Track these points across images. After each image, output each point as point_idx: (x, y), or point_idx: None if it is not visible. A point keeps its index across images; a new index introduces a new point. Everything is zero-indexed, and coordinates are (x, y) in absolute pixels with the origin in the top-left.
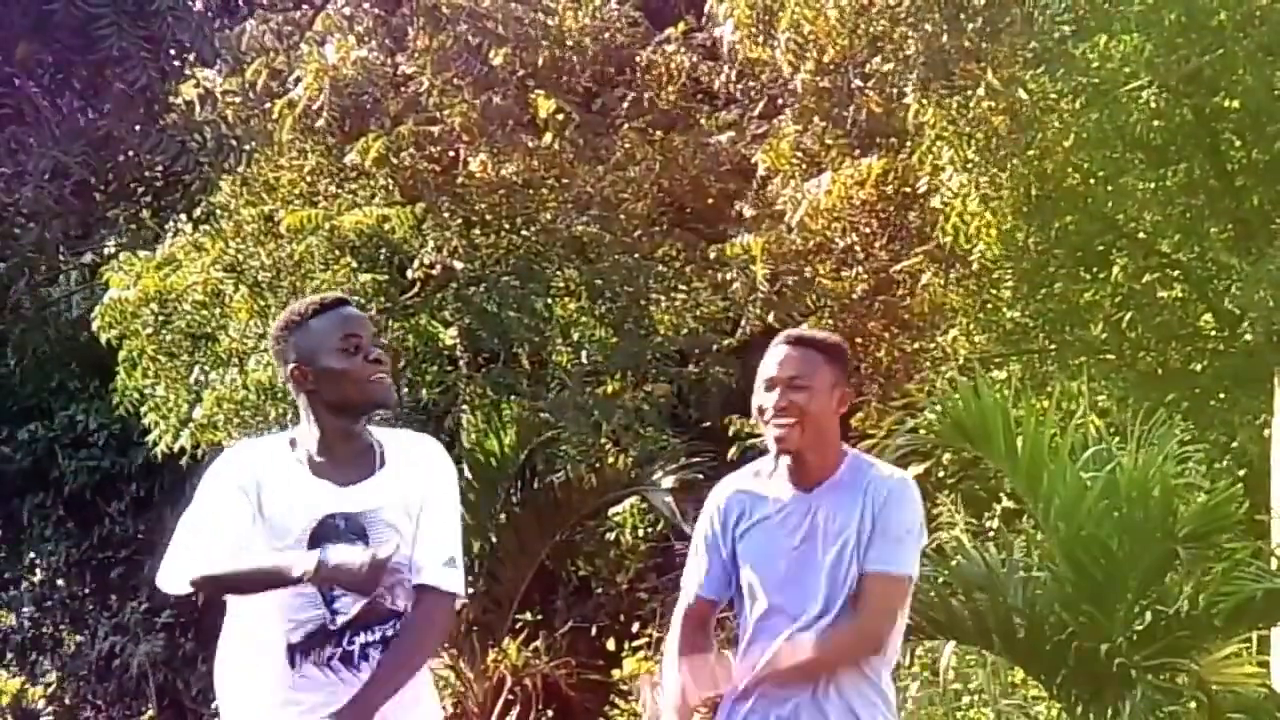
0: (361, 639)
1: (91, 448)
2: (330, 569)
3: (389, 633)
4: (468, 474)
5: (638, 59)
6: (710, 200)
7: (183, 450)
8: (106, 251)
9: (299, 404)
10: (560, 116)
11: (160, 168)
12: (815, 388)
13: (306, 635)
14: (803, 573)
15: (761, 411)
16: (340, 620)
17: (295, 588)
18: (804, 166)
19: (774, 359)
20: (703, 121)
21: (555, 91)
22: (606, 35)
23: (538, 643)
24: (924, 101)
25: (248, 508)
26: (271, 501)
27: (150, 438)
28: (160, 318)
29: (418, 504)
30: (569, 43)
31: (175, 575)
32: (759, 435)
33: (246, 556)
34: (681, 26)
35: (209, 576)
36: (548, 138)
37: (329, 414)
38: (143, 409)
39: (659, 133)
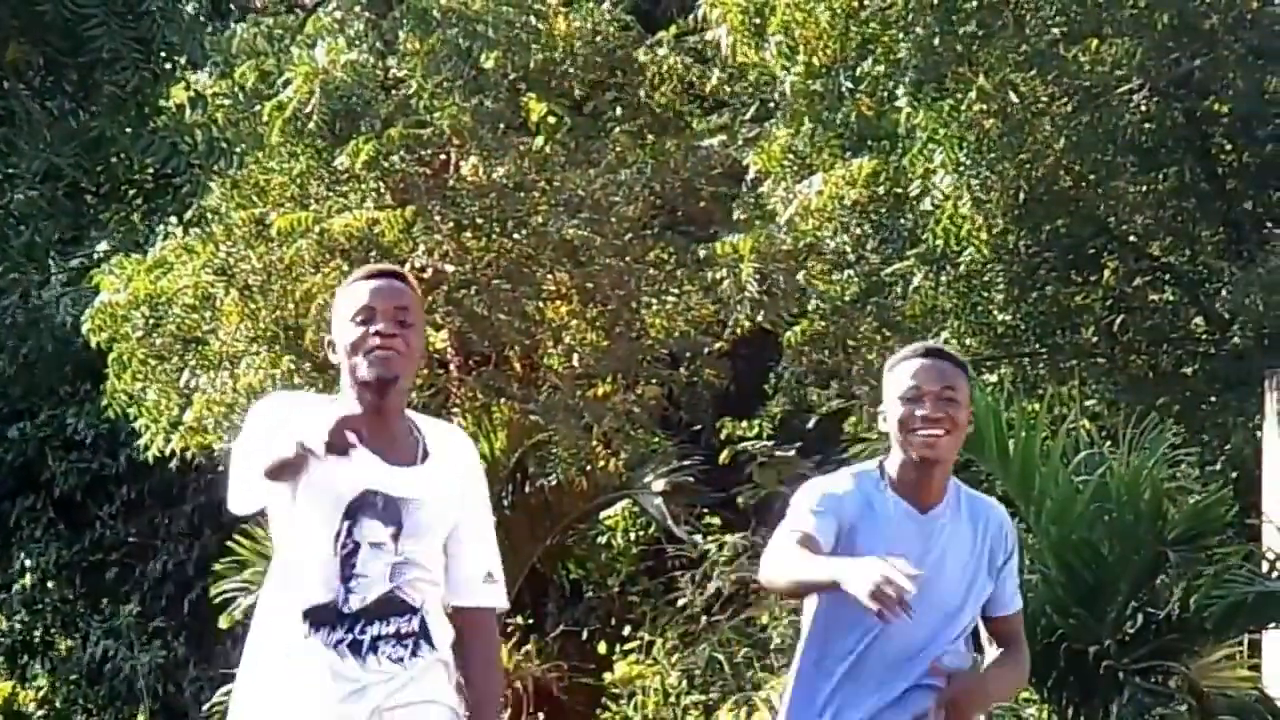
0: (374, 630)
1: (82, 450)
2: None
3: (404, 627)
4: None
5: (629, 62)
6: (702, 204)
7: (173, 454)
8: (96, 255)
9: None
10: (552, 120)
11: (151, 170)
12: (962, 402)
13: (316, 606)
14: (917, 602)
15: (905, 423)
16: (354, 604)
17: (320, 553)
18: (795, 168)
19: (915, 370)
20: (694, 124)
21: (547, 94)
22: (598, 38)
23: (529, 646)
24: (916, 104)
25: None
26: (324, 462)
27: (141, 441)
28: (150, 321)
29: (456, 504)
30: (560, 45)
31: (243, 490)
32: (750, 438)
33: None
34: (673, 30)
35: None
36: (539, 141)
37: (354, 388)
38: (131, 412)
39: (650, 136)
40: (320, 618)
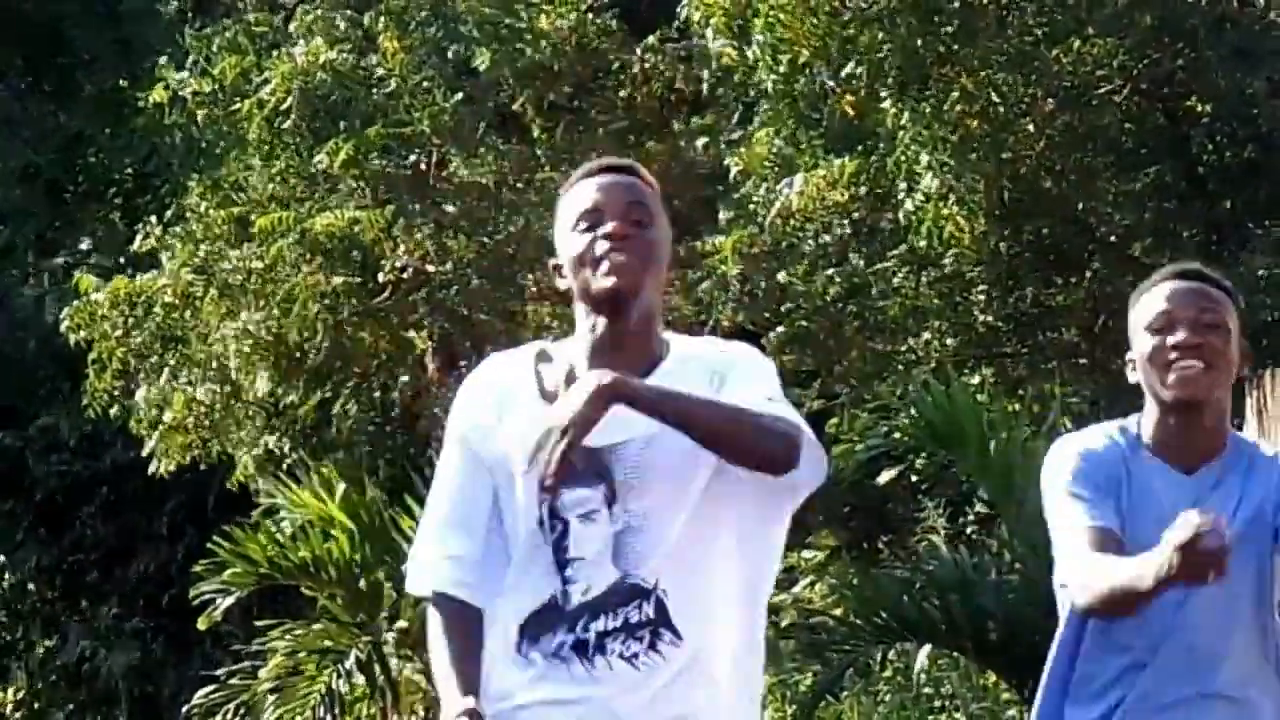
0: (599, 625)
1: (63, 452)
2: None
3: (634, 616)
4: None
5: (614, 64)
6: (685, 204)
7: (162, 458)
8: (79, 255)
9: None
10: (540, 120)
11: (130, 169)
12: (1229, 328)
13: (534, 613)
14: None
15: (1154, 357)
16: (575, 599)
17: (532, 547)
18: (777, 169)
19: (1168, 293)
20: (678, 126)
21: (533, 95)
22: (582, 40)
23: None
24: (901, 104)
25: (482, 480)
26: (505, 450)
27: (155, 461)
28: (130, 320)
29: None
30: (545, 45)
31: (417, 578)
32: None
33: (445, 628)
34: (659, 34)
35: (426, 612)
36: (535, 138)
37: (586, 313)
38: (112, 412)
39: (633, 137)
40: (540, 625)
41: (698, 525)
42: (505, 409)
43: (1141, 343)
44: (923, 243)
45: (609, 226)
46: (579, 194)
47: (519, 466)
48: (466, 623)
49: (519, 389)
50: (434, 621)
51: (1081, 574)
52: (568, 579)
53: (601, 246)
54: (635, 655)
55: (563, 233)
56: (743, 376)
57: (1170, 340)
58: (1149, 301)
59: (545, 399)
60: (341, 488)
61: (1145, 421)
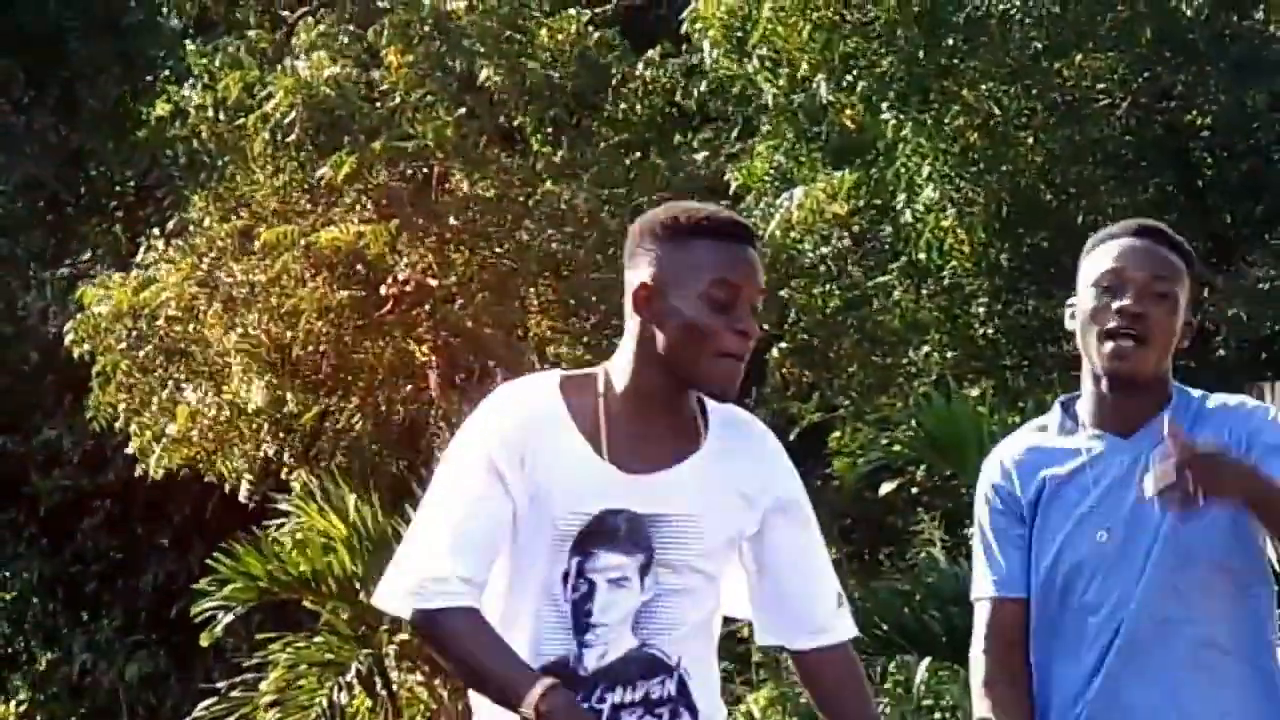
0: (616, 697)
1: (65, 465)
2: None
3: (656, 692)
4: None
5: (615, 78)
6: None
7: (166, 470)
8: (81, 267)
9: (626, 330)
10: (542, 134)
11: (132, 182)
12: (1178, 299)
13: (543, 667)
14: (1131, 554)
15: (1095, 317)
16: (590, 664)
17: (545, 600)
18: (777, 182)
19: (1121, 250)
20: (678, 139)
21: (535, 108)
22: (585, 53)
23: None
24: (902, 117)
25: (502, 502)
26: (537, 482)
27: (145, 462)
28: (134, 333)
29: (739, 509)
30: (547, 59)
31: (396, 594)
32: None
33: (480, 633)
34: (659, 48)
35: (428, 630)
36: (536, 151)
37: (655, 366)
38: (116, 425)
39: (635, 151)
40: None
41: (715, 605)
42: (537, 440)
43: (1086, 297)
44: (922, 255)
45: (744, 324)
46: (718, 254)
47: (554, 504)
48: (486, 622)
49: (549, 419)
50: (457, 625)
51: (974, 670)
52: (585, 642)
53: (726, 344)
54: None
55: (686, 289)
56: (791, 501)
57: (1115, 304)
58: (1101, 255)
59: (582, 433)
60: (343, 500)
61: (1083, 393)
